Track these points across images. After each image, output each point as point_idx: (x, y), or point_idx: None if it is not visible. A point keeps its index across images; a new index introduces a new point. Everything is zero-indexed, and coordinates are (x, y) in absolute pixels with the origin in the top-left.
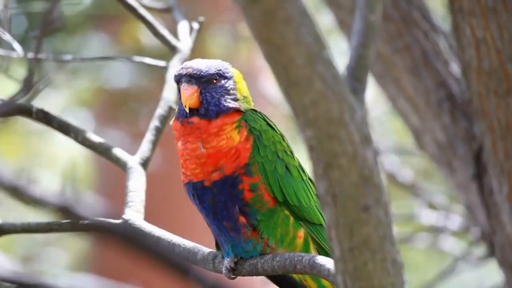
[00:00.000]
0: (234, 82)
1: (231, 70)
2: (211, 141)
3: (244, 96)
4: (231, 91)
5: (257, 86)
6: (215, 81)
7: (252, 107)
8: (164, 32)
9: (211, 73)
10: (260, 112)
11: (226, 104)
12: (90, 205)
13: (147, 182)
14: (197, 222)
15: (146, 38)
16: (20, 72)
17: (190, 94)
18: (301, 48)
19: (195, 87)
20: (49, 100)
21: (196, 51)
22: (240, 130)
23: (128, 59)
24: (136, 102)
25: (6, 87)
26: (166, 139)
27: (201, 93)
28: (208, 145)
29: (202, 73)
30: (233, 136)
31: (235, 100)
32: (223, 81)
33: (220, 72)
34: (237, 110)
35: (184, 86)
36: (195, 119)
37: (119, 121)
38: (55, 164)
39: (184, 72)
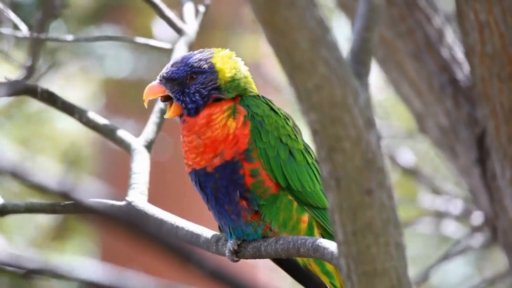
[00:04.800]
0: (215, 71)
1: (210, 61)
2: (205, 133)
3: (233, 79)
4: (209, 83)
5: (262, 71)
6: (190, 79)
7: (250, 88)
8: (170, 15)
9: (182, 75)
10: (263, 97)
11: (203, 97)
12: (92, 188)
13: (154, 166)
14: (203, 206)
15: (157, 29)
16: (25, 53)
17: (149, 89)
18: (305, 32)
19: (161, 87)
20: (57, 89)
21: (202, 41)
22: (236, 116)
23: (132, 41)
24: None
25: (11, 68)
26: (172, 125)
27: (178, 98)
28: (204, 136)
29: (173, 76)
30: (228, 124)
31: (215, 89)
32: (200, 77)
33: (195, 70)
34: (217, 99)
35: (152, 82)
36: (186, 118)
37: (126, 109)
38: (56, 148)
39: (160, 74)
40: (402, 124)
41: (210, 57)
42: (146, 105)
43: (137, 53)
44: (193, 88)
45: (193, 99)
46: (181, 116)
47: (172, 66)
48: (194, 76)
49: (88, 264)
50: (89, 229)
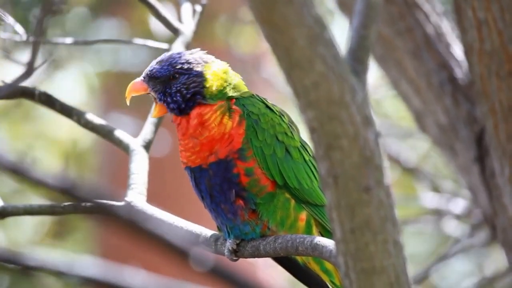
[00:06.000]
0: (203, 76)
1: (200, 66)
2: (202, 133)
3: (219, 91)
4: (192, 84)
5: (260, 70)
6: (172, 79)
7: (243, 91)
8: (166, 15)
9: (165, 74)
10: (257, 95)
11: (185, 99)
12: (92, 187)
13: (153, 164)
14: (202, 204)
15: (155, 23)
16: (24, 55)
17: (131, 87)
18: (303, 30)
19: (143, 85)
20: (56, 84)
21: (201, 37)
22: (231, 116)
23: (130, 42)
24: None
25: (9, 70)
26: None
27: (160, 98)
28: (201, 137)
29: (156, 75)
30: (223, 122)
31: (198, 93)
32: (182, 77)
33: (178, 70)
34: (198, 103)
35: (136, 79)
36: (175, 118)
37: (126, 105)
38: (57, 146)
39: (145, 71)
40: (401, 122)
41: (204, 63)
42: (128, 102)
43: (135, 46)
44: (174, 88)
45: (174, 99)
46: (170, 113)
47: (157, 63)
48: (177, 76)
49: (88, 261)
50: (88, 226)
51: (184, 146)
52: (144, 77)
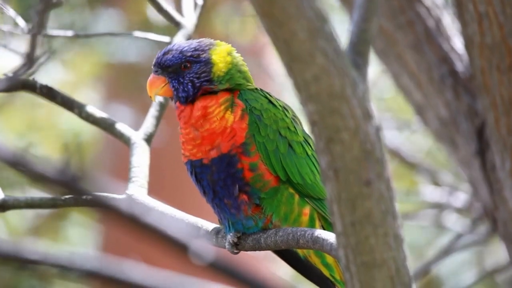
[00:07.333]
0: (211, 63)
1: (207, 52)
2: (203, 125)
3: (226, 74)
4: (203, 74)
5: (262, 62)
6: (184, 68)
7: (248, 83)
8: (168, 8)
9: (176, 63)
10: (261, 90)
11: (195, 88)
12: (93, 179)
13: (154, 157)
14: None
15: (153, 14)
16: (24, 47)
17: (150, 84)
18: (303, 23)
19: (160, 78)
20: (56, 76)
21: (201, 28)
22: (233, 110)
23: (131, 35)
24: (143, 77)
25: (10, 62)
26: (172, 115)
27: (169, 82)
28: (202, 128)
29: (167, 63)
30: (225, 116)
31: (208, 81)
32: (194, 66)
33: (190, 58)
34: (210, 91)
35: (150, 76)
36: (178, 105)
37: (126, 95)
38: (57, 138)
39: (153, 62)
40: (402, 116)
41: (208, 48)
42: (155, 100)
43: (133, 37)
44: (187, 78)
45: (185, 88)
46: (174, 102)
47: (166, 53)
48: (188, 65)
49: (88, 255)
50: (89, 220)
51: (185, 136)
52: (156, 70)
